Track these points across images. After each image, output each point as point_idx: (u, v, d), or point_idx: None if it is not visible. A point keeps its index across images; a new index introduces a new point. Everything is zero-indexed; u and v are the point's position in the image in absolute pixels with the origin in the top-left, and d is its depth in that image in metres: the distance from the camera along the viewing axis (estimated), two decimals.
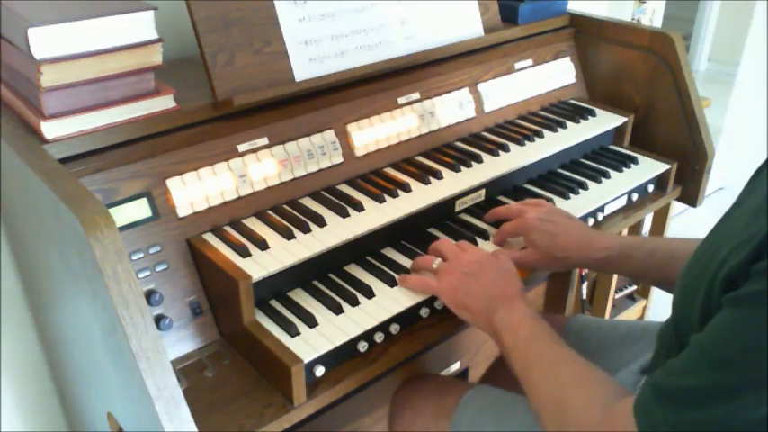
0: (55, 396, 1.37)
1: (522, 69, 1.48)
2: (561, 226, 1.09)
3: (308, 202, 1.12)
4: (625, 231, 1.55)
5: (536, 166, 1.34)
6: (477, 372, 1.61)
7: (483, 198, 1.25)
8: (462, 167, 1.24)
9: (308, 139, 1.15)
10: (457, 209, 1.23)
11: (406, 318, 1.01)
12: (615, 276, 1.87)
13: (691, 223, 2.57)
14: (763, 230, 0.63)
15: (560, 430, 0.80)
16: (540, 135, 1.38)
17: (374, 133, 1.22)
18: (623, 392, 0.78)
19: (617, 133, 1.51)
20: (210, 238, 1.02)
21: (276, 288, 1.02)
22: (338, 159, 1.18)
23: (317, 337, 0.94)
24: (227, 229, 1.04)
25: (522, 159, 1.29)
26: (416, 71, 1.30)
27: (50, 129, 0.93)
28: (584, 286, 1.94)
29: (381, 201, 1.13)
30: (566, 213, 1.14)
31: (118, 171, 0.97)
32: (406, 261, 1.10)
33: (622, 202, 1.36)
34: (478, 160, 1.27)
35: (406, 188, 1.16)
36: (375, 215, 1.09)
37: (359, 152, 1.21)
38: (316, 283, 1.05)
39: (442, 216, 1.22)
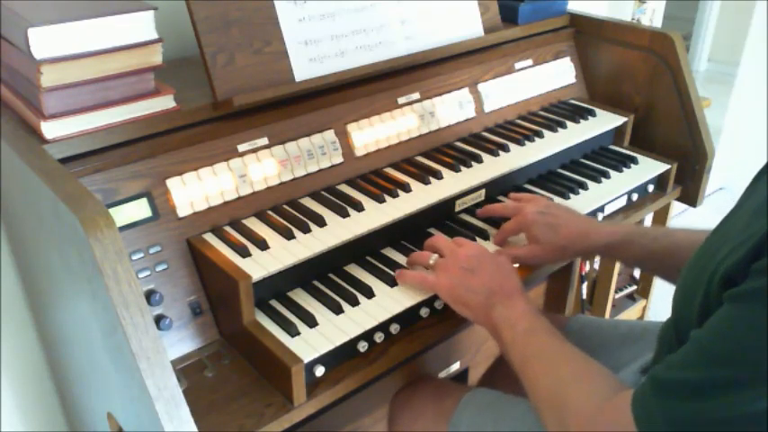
0: (55, 396, 1.37)
1: (522, 69, 1.48)
2: (561, 218, 1.09)
3: (308, 202, 1.12)
4: None
5: (536, 166, 1.34)
6: (478, 372, 1.61)
7: (483, 198, 1.25)
8: (462, 167, 1.24)
9: (308, 139, 1.15)
10: (457, 209, 1.23)
11: (406, 318, 1.01)
12: (615, 276, 1.87)
13: (691, 223, 2.57)
14: (762, 229, 0.63)
15: (559, 424, 0.80)
16: (540, 135, 1.38)
17: (374, 133, 1.22)
18: (622, 387, 0.79)
19: (617, 133, 1.51)
20: (210, 238, 1.02)
21: (276, 288, 1.02)
22: (338, 159, 1.18)
23: (317, 337, 0.94)
24: (227, 229, 1.04)
25: (522, 159, 1.29)
26: (416, 71, 1.30)
27: (50, 129, 0.93)
28: (584, 286, 1.94)
29: (381, 201, 1.13)
30: (562, 205, 1.14)
31: (118, 171, 0.97)
32: (405, 261, 1.10)
33: (622, 202, 1.36)
34: (478, 160, 1.27)
35: (406, 188, 1.16)
36: (375, 215, 1.09)
37: (359, 152, 1.21)
38: (316, 283, 1.05)
39: (442, 216, 1.22)
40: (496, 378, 1.40)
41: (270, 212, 1.09)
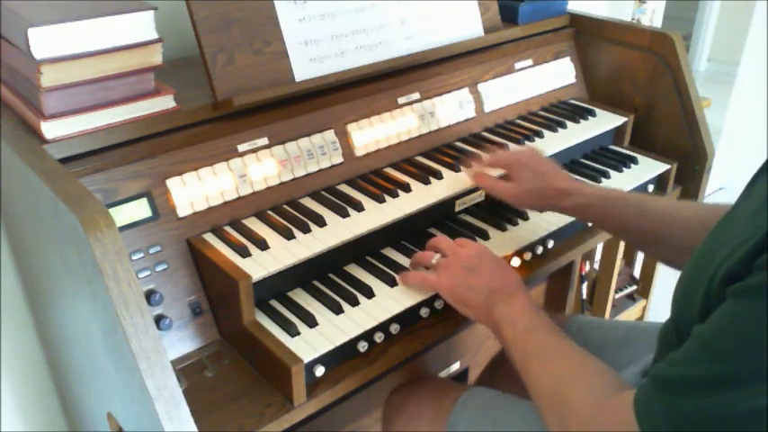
0: (55, 396, 1.37)
1: (522, 69, 1.48)
2: (548, 169, 1.13)
3: (308, 202, 1.12)
4: None
5: None
6: (478, 372, 1.61)
7: (483, 198, 1.25)
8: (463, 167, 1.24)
9: (308, 139, 1.15)
10: (457, 209, 1.23)
11: (406, 318, 1.01)
12: (615, 276, 1.87)
13: None
14: (764, 227, 0.63)
15: (560, 421, 0.80)
16: (539, 135, 1.38)
17: (374, 133, 1.22)
18: (622, 385, 0.79)
19: (617, 133, 1.51)
20: (210, 238, 1.02)
21: (276, 288, 1.02)
22: (338, 159, 1.18)
23: (317, 337, 0.94)
24: (227, 229, 1.04)
25: None
26: (416, 71, 1.30)
27: (50, 129, 0.93)
28: (585, 286, 1.94)
29: (381, 201, 1.13)
30: (549, 158, 1.18)
31: (118, 171, 0.97)
32: (406, 261, 1.10)
33: None
34: None
35: (406, 188, 1.16)
36: (375, 215, 1.09)
37: (359, 152, 1.21)
38: (316, 283, 1.05)
39: (442, 216, 1.22)
40: (496, 377, 1.40)
41: (270, 212, 1.09)
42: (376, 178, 1.20)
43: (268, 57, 1.11)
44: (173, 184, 1.01)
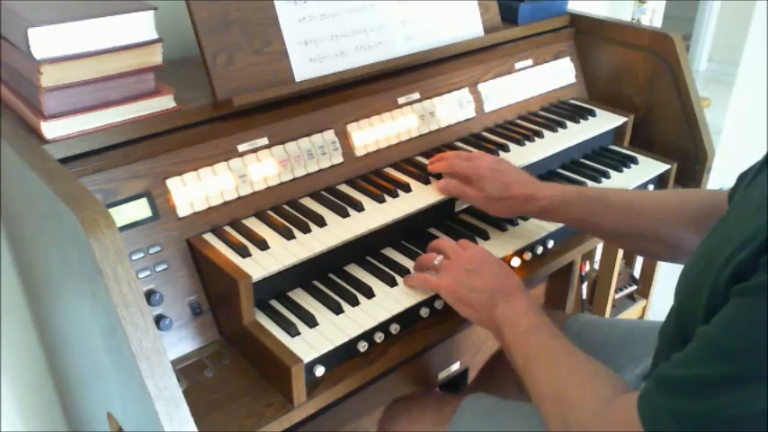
0: (55, 396, 1.37)
1: (522, 69, 1.48)
2: (511, 177, 1.12)
3: (308, 202, 1.12)
4: None
5: (536, 166, 1.34)
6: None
7: None
8: None
9: (308, 139, 1.15)
10: (457, 209, 1.23)
11: (406, 318, 1.01)
12: (615, 276, 1.87)
13: None
14: (766, 226, 0.63)
15: (562, 423, 0.80)
16: (540, 135, 1.38)
17: (374, 133, 1.22)
18: (625, 387, 0.79)
19: (617, 133, 1.51)
20: (210, 238, 1.02)
21: (276, 288, 1.02)
22: (338, 159, 1.18)
23: (317, 337, 0.94)
24: (227, 229, 1.04)
25: (522, 159, 1.29)
26: (416, 71, 1.30)
27: (50, 129, 0.93)
28: (584, 286, 1.94)
29: (381, 201, 1.13)
30: (510, 163, 1.17)
31: (118, 171, 0.97)
32: (406, 261, 1.10)
33: None
34: None
35: (406, 188, 1.16)
36: (375, 215, 1.09)
37: (359, 152, 1.21)
38: (316, 283, 1.05)
39: (442, 216, 1.22)
40: (494, 376, 1.40)
41: (270, 212, 1.09)
42: (376, 178, 1.20)
43: (268, 57, 1.11)
44: (173, 184, 1.01)
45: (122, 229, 0.95)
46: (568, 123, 1.43)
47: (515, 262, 1.15)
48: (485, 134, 1.38)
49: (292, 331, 0.94)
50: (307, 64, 1.15)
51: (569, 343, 0.87)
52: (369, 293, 1.02)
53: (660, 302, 2.08)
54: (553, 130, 1.40)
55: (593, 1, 2.09)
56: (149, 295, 0.94)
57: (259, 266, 0.96)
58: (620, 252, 1.82)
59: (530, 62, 1.50)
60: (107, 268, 0.74)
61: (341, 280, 1.06)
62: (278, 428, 0.89)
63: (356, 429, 1.43)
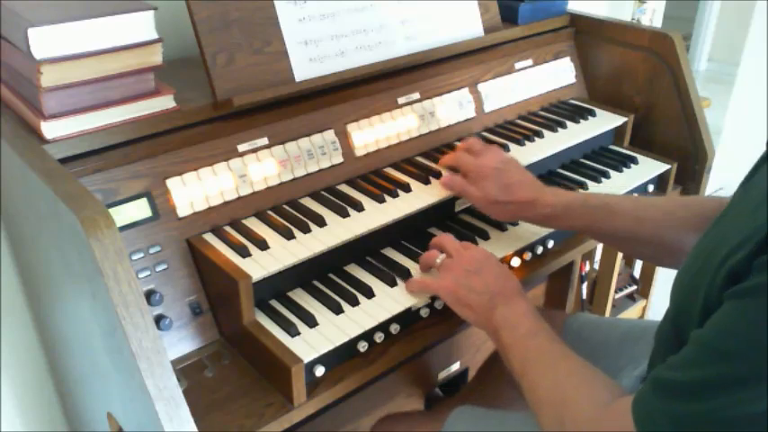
0: (55, 396, 1.37)
1: (522, 69, 1.48)
2: (515, 178, 1.10)
3: (308, 202, 1.12)
4: None
5: (536, 166, 1.34)
6: None
7: None
8: None
9: (308, 139, 1.15)
10: (457, 209, 1.23)
11: (406, 318, 1.01)
12: (615, 276, 1.87)
13: None
14: (764, 227, 0.63)
15: (558, 425, 0.80)
16: (540, 135, 1.38)
17: (374, 133, 1.22)
18: (621, 392, 0.79)
19: (617, 133, 1.51)
20: (210, 238, 1.02)
21: (276, 288, 1.02)
22: (338, 159, 1.18)
23: (317, 337, 0.94)
24: (227, 229, 1.04)
25: (522, 159, 1.29)
26: (416, 71, 1.30)
27: (50, 129, 0.93)
28: (585, 286, 1.94)
29: (381, 201, 1.13)
30: (517, 163, 1.15)
31: (118, 171, 0.97)
32: (406, 261, 1.10)
33: None
34: None
35: (406, 188, 1.16)
36: (375, 215, 1.09)
37: (359, 152, 1.21)
38: (316, 283, 1.05)
39: (442, 216, 1.22)
40: (491, 376, 1.40)
41: (270, 212, 1.09)
42: (376, 178, 1.20)
43: (268, 57, 1.11)
44: (173, 184, 1.01)
45: (122, 229, 0.95)
46: (568, 123, 1.43)
47: (515, 262, 1.15)
48: (485, 134, 1.38)
49: (292, 331, 0.94)
50: (307, 64, 1.15)
51: (567, 348, 0.87)
52: (369, 293, 1.02)
53: (660, 302, 2.07)
54: (553, 130, 1.40)
55: (593, 1, 2.10)
56: (149, 295, 0.94)
57: (259, 266, 0.96)
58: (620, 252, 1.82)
59: (530, 62, 1.50)
60: (107, 268, 0.74)
61: (341, 280, 1.06)
62: (278, 428, 0.89)
63: (356, 429, 1.43)
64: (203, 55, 1.05)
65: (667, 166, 1.43)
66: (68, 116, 0.94)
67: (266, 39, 1.11)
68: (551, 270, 1.24)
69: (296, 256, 0.99)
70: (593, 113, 1.48)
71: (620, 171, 1.40)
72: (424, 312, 1.03)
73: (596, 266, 1.94)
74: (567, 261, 1.27)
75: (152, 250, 0.97)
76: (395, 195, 1.14)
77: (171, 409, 0.76)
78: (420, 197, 1.15)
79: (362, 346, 0.96)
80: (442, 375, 1.60)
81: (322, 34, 1.17)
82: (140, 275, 0.95)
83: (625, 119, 1.48)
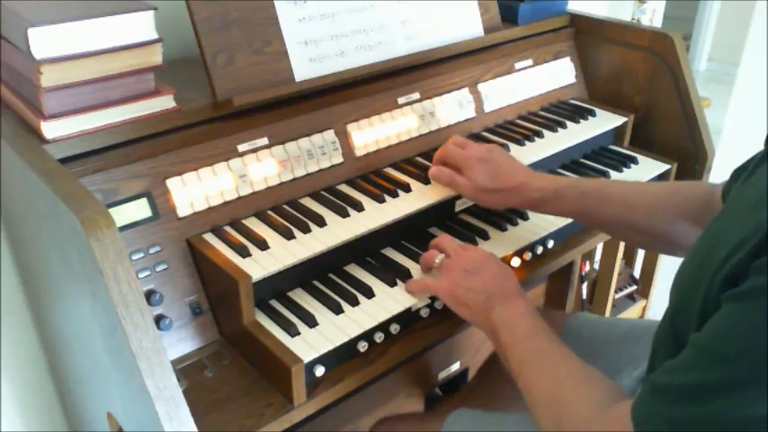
0: (55, 396, 1.37)
1: (522, 69, 1.48)
2: (502, 165, 1.11)
3: (308, 202, 1.12)
4: None
5: (536, 166, 1.33)
6: None
7: None
8: None
9: (308, 139, 1.15)
10: (457, 209, 1.23)
11: (406, 318, 1.01)
12: (615, 276, 1.87)
13: None
14: (763, 228, 0.63)
15: (555, 425, 0.80)
16: (540, 135, 1.38)
17: (374, 133, 1.22)
18: (620, 394, 0.78)
19: (617, 133, 1.51)
20: (210, 238, 1.02)
21: (276, 288, 1.02)
22: (338, 159, 1.18)
23: (317, 337, 0.94)
24: (227, 229, 1.04)
25: (522, 159, 1.29)
26: (416, 71, 1.30)
27: (50, 129, 0.93)
28: (584, 286, 1.94)
29: (381, 201, 1.13)
30: (503, 151, 1.15)
31: (118, 171, 0.97)
32: (406, 261, 1.10)
33: None
34: None
35: (406, 188, 1.16)
36: (375, 215, 1.09)
37: (359, 152, 1.21)
38: (316, 283, 1.05)
39: (442, 216, 1.22)
40: (492, 375, 1.40)
41: (270, 212, 1.09)
42: (376, 178, 1.20)
43: (268, 57, 1.11)
44: (173, 184, 1.01)
45: (122, 229, 0.95)
46: (568, 123, 1.43)
47: (515, 262, 1.15)
48: (485, 134, 1.38)
49: (292, 331, 0.94)
50: (307, 64, 1.15)
51: (566, 348, 0.87)
52: (369, 293, 1.02)
53: (660, 302, 2.07)
54: (553, 130, 1.40)
55: (593, 1, 2.09)
56: (149, 295, 0.94)
57: (259, 266, 0.96)
58: (620, 252, 1.82)
59: (530, 62, 1.50)
60: (107, 268, 0.74)
61: (341, 280, 1.06)
62: (278, 428, 0.89)
63: (356, 429, 1.43)
64: (203, 55, 1.05)
65: (667, 166, 1.43)
66: (68, 116, 0.94)
67: (266, 39, 1.11)
68: (551, 270, 1.24)
69: (296, 256, 0.99)
70: (593, 113, 1.48)
71: (620, 171, 1.40)
72: (424, 312, 1.03)
73: (596, 266, 1.94)
74: (567, 261, 1.27)
75: (152, 250, 0.97)
76: (395, 195, 1.14)
77: (171, 409, 0.76)
78: (420, 197, 1.15)
79: (362, 346, 0.96)
80: (442, 375, 1.60)
81: (322, 34, 1.17)
82: (140, 275, 0.95)
83: (625, 119, 1.48)
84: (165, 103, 1.02)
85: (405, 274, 1.06)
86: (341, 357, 0.95)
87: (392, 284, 1.04)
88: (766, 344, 0.60)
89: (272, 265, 0.97)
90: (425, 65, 1.31)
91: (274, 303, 1.01)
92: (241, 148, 1.08)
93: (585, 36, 1.57)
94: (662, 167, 1.42)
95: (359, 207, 1.10)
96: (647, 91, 1.51)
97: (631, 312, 2.04)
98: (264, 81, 1.11)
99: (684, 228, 1.02)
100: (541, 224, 1.21)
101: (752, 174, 0.76)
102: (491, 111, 1.42)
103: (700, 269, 0.71)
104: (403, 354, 1.00)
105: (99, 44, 0.94)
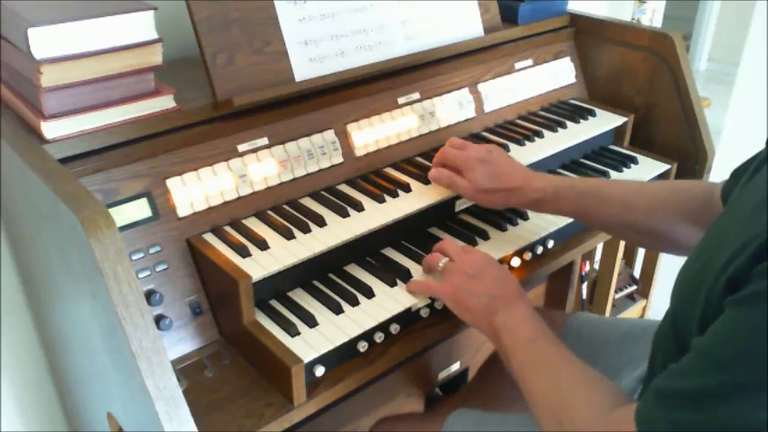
0: (55, 396, 1.37)
1: (522, 69, 1.48)
2: (501, 166, 1.11)
3: (308, 202, 1.12)
4: None
5: (536, 167, 1.33)
6: None
7: None
8: None
9: (308, 139, 1.15)
10: (457, 209, 1.23)
11: (406, 318, 1.01)
12: (615, 276, 1.87)
13: None
14: (764, 233, 0.63)
15: (557, 427, 0.80)
16: (540, 135, 1.38)
17: (374, 133, 1.22)
18: (622, 397, 0.78)
19: (617, 133, 1.51)
20: (210, 238, 1.02)
21: (276, 288, 1.02)
22: (338, 159, 1.18)
23: (317, 337, 0.94)
24: (227, 229, 1.04)
25: (522, 159, 1.29)
26: (416, 71, 1.30)
27: (50, 129, 0.93)
28: (585, 286, 1.94)
29: (381, 201, 1.12)
30: (502, 151, 1.16)
31: (118, 171, 0.97)
32: (406, 261, 1.10)
33: None
34: None
35: (406, 188, 1.16)
36: (375, 215, 1.09)
37: (359, 152, 1.21)
38: (316, 283, 1.05)
39: (442, 216, 1.22)
40: (493, 375, 1.40)
41: (270, 212, 1.09)
42: (376, 178, 1.20)
43: (268, 57, 1.11)
44: (173, 184, 1.01)
45: (122, 229, 0.95)
46: (568, 123, 1.43)
47: (515, 262, 1.15)
48: (485, 134, 1.38)
49: (292, 331, 0.94)
50: (307, 64, 1.15)
51: (567, 351, 0.87)
52: (369, 293, 1.02)
53: (660, 302, 2.08)
54: (553, 130, 1.40)
55: (593, 1, 2.09)
56: (149, 295, 0.94)
57: (259, 266, 0.96)
58: (620, 252, 1.82)
59: (530, 62, 1.50)
60: (107, 268, 0.74)
61: (341, 280, 1.06)
62: (278, 428, 0.89)
63: (356, 429, 1.43)
64: (203, 55, 1.05)
65: (667, 166, 1.43)
66: (68, 116, 0.94)
67: (266, 39, 1.11)
68: (551, 270, 1.24)
69: (296, 256, 0.99)
70: (593, 113, 1.48)
71: (620, 171, 1.40)
72: (424, 312, 1.03)
73: (596, 266, 1.94)
74: (567, 261, 1.27)
75: (152, 250, 0.97)
76: (395, 195, 1.14)
77: (171, 409, 0.76)
78: (420, 197, 1.15)
79: (362, 346, 0.96)
80: (442, 375, 1.60)
81: (322, 34, 1.17)
82: (140, 275, 0.95)
83: (625, 119, 1.48)
84: (165, 103, 1.02)
85: (405, 274, 1.06)
86: (341, 357, 0.95)
87: (392, 284, 1.04)
88: (766, 349, 0.60)
89: (272, 265, 0.97)
90: (425, 65, 1.31)
91: (274, 303, 1.01)
92: (241, 148, 1.08)
93: (585, 36, 1.57)
94: (662, 167, 1.42)
95: (359, 207, 1.10)
96: (647, 91, 1.51)
97: (631, 312, 2.04)
98: (264, 81, 1.11)
99: (683, 227, 1.02)
100: (541, 224, 1.21)
101: (753, 175, 0.76)
102: (491, 111, 1.42)
103: (701, 271, 0.71)
104: (403, 354, 1.00)
105: (99, 44, 0.94)
